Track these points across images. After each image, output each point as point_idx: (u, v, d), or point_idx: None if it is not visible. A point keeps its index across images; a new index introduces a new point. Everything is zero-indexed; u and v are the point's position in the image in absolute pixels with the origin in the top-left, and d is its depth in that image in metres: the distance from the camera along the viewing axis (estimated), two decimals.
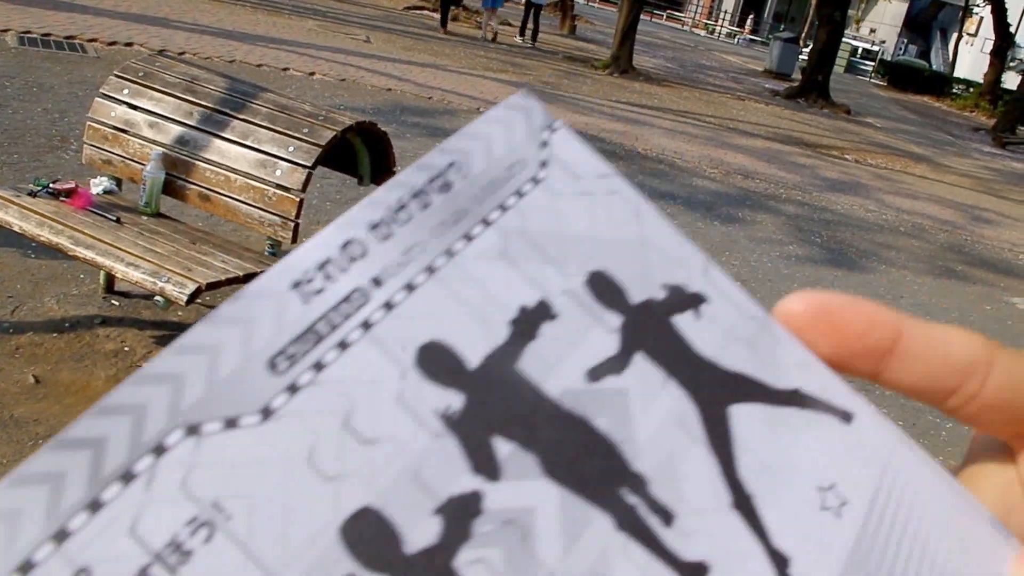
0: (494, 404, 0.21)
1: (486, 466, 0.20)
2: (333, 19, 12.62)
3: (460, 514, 0.20)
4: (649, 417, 0.23)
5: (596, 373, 0.23)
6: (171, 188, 3.06)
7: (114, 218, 2.87)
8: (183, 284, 2.50)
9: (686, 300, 0.25)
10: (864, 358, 0.25)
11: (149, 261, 2.60)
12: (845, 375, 0.26)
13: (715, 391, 0.24)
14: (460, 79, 10.19)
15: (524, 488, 0.21)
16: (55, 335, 3.01)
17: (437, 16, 15.05)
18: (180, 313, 3.23)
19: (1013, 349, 0.24)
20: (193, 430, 0.18)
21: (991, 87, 25.78)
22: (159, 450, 0.18)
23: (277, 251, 3.21)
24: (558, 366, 0.22)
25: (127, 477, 0.17)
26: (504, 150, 0.24)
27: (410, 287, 0.21)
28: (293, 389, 0.19)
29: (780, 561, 0.23)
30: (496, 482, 0.20)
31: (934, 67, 36.03)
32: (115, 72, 3.16)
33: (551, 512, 0.21)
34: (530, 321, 0.22)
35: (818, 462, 0.24)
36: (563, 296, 0.23)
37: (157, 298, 2.64)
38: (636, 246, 0.25)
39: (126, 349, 3.02)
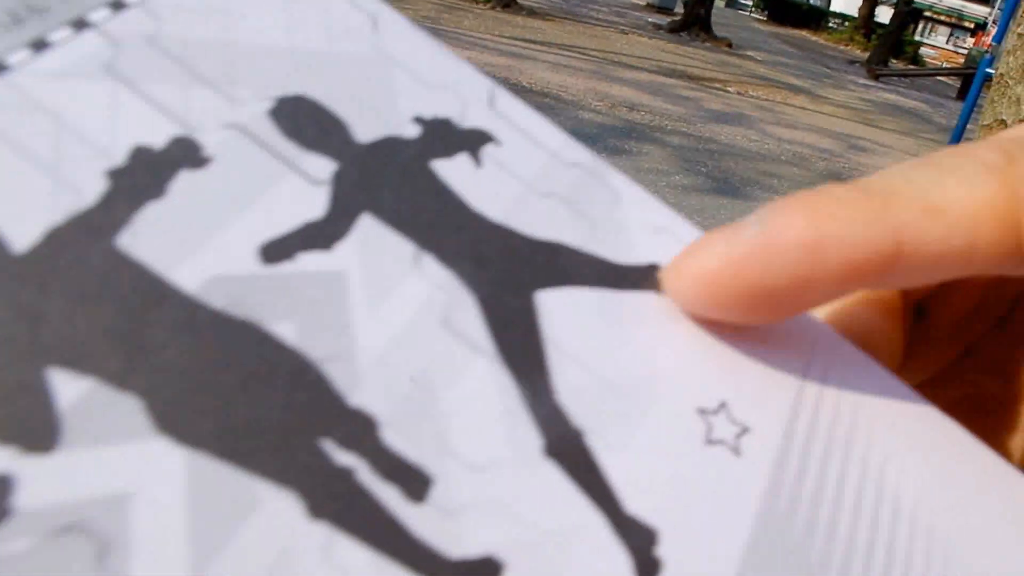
0: (55, 314, 0.12)
1: (27, 431, 0.11)
2: None
3: None
4: (384, 316, 0.13)
5: (282, 249, 0.13)
6: None
7: None
8: None
9: (459, 139, 0.16)
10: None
11: None
12: None
13: (511, 271, 0.15)
14: None
15: (111, 459, 0.11)
16: None
17: None
18: None
19: None
20: None
21: (865, 21, 26.76)
22: None
23: None
24: (205, 240, 0.13)
25: None
26: None
27: None
28: None
29: (638, 536, 0.13)
30: (46, 454, 0.11)
31: (811, 1, 36.94)
32: None
33: (168, 498, 0.11)
34: (151, 170, 0.13)
35: (696, 371, 0.15)
36: (225, 131, 0.14)
37: None
38: (371, 65, 0.16)
39: None
